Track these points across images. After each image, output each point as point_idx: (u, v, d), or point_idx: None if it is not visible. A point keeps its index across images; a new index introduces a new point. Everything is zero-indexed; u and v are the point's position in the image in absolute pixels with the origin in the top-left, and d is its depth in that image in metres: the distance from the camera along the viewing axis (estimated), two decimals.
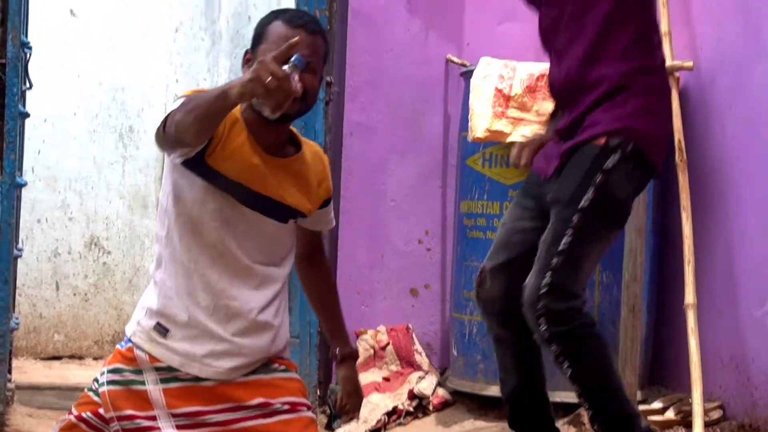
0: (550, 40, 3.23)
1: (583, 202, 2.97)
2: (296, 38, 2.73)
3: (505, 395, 3.32)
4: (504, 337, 3.24)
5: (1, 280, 4.39)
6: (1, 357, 4.34)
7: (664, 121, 3.16)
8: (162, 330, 2.94)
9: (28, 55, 4.53)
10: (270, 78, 2.52)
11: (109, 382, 2.97)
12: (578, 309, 2.99)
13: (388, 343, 4.85)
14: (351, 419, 3.08)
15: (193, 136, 2.80)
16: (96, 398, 2.97)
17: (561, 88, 3.21)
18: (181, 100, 2.86)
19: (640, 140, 3.04)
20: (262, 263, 3.05)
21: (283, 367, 3.05)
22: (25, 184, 4.58)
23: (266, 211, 3.03)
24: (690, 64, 4.49)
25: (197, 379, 2.95)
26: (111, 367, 2.99)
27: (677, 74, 4.49)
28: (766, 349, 4.00)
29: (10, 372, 4.42)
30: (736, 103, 4.29)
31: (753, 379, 4.06)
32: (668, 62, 4.35)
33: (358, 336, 4.89)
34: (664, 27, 4.51)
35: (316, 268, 3.34)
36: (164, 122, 2.80)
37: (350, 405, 3.14)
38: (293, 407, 3.02)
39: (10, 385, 4.39)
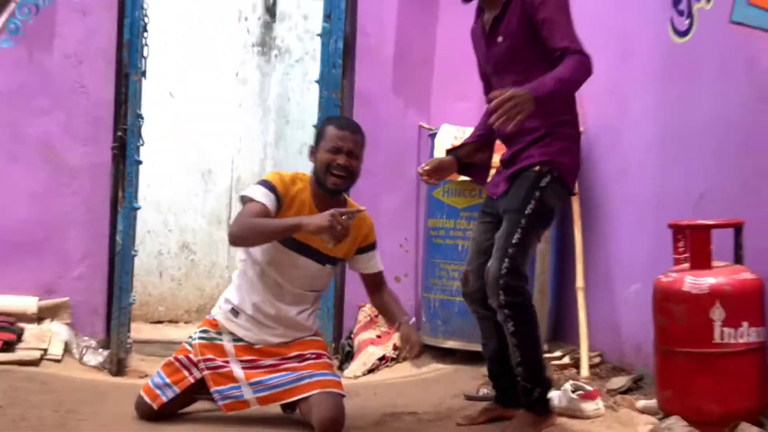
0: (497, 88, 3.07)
1: (528, 210, 2.89)
2: (361, 208, 3.13)
3: (488, 355, 3.24)
4: (486, 316, 3.13)
5: (124, 271, 4.46)
6: (123, 322, 4.42)
7: (576, 158, 3.09)
8: (234, 313, 3.18)
9: (141, 122, 4.55)
10: (340, 228, 2.78)
11: (200, 338, 3.19)
12: (525, 287, 2.94)
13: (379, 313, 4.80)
14: (416, 357, 3.07)
15: (251, 244, 3.08)
16: (189, 348, 3.18)
17: (507, 132, 3.04)
18: (248, 213, 3.03)
19: (561, 170, 2.96)
20: (301, 289, 3.20)
21: (312, 333, 3.28)
22: (139, 208, 4.59)
23: (307, 255, 3.11)
24: (582, 129, 4.47)
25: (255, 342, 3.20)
26: (202, 329, 3.26)
27: None
28: (629, 317, 4.03)
29: (129, 331, 4.47)
30: (611, 157, 4.33)
31: (621, 337, 4.11)
32: None
33: (360, 308, 4.89)
34: None
35: (381, 296, 3.40)
36: (234, 227, 3.04)
37: (412, 349, 3.14)
38: (318, 356, 3.19)
39: (129, 340, 4.45)
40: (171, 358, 3.19)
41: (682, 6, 3.73)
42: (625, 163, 4.18)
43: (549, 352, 4.27)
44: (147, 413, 3.10)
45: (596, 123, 4.45)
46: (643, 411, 3.26)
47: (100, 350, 4.40)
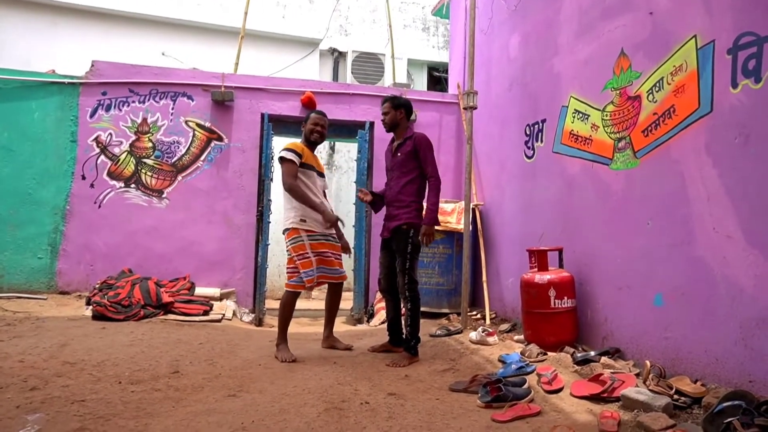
0: (390, 179, 3.01)
1: (408, 250, 2.82)
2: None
3: (388, 319, 3.10)
4: (390, 299, 3.04)
5: (262, 275, 4.31)
6: (261, 300, 4.35)
7: (420, 219, 2.89)
8: (303, 220, 2.85)
9: (270, 203, 4.50)
10: (338, 222, 2.81)
11: (291, 242, 2.89)
12: (416, 288, 2.85)
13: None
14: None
15: (294, 199, 2.80)
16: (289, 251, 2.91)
17: (390, 199, 2.98)
18: (291, 157, 2.77)
19: (416, 225, 2.85)
20: (320, 192, 2.96)
21: (337, 239, 3.01)
22: (269, 244, 4.48)
23: (318, 174, 2.97)
24: (482, 203, 4.45)
25: (321, 235, 2.86)
26: (290, 238, 2.88)
27: (480, 206, 4.44)
28: (509, 294, 3.94)
29: (264, 304, 4.39)
30: (497, 215, 4.27)
31: (505, 304, 4.02)
32: (475, 201, 4.39)
33: (377, 292, 4.60)
34: (473, 189, 4.40)
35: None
36: (288, 173, 2.78)
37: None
38: (339, 257, 3.03)
39: (264, 309, 4.37)
40: (292, 259, 2.86)
41: (530, 144, 3.80)
42: (504, 219, 4.16)
43: (471, 311, 4.16)
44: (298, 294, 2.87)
45: (489, 200, 4.43)
46: (517, 341, 3.23)
47: (250, 314, 4.35)
